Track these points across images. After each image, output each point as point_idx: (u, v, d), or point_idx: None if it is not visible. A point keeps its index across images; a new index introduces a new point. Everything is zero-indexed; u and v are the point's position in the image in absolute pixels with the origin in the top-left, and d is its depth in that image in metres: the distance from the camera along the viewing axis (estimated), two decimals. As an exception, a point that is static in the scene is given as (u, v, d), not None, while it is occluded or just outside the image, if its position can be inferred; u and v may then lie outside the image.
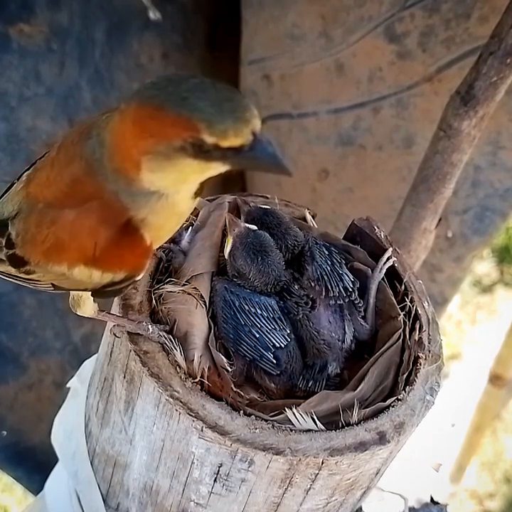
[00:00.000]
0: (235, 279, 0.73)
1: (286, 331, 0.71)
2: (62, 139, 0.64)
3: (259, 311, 0.71)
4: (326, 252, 0.75)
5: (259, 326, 0.70)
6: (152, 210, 0.58)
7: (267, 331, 0.70)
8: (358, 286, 0.75)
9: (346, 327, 0.74)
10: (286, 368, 0.70)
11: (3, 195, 0.70)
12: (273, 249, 0.74)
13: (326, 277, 0.73)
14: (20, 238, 0.64)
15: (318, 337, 0.72)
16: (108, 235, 0.58)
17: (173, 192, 0.57)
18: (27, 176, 0.67)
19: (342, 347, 0.73)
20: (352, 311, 0.75)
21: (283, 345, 0.70)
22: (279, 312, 0.71)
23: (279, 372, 0.70)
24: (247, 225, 0.75)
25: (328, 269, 0.74)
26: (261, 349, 0.70)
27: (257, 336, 0.70)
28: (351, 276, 0.75)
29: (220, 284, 0.73)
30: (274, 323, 0.71)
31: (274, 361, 0.70)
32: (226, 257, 0.74)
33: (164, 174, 0.55)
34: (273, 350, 0.70)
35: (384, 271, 0.78)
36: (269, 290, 0.73)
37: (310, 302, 0.73)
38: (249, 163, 0.54)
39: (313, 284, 0.73)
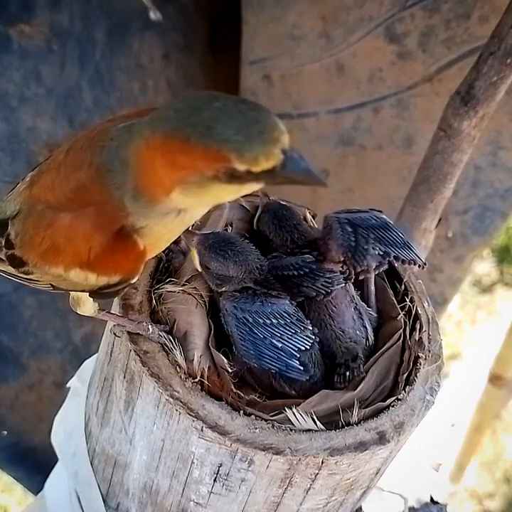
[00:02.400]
0: (219, 287, 0.72)
1: (308, 329, 0.69)
2: (70, 143, 0.64)
3: (274, 320, 0.69)
4: (350, 229, 0.74)
5: (279, 335, 0.68)
6: (160, 221, 0.58)
7: (288, 338, 0.68)
8: (387, 260, 0.73)
9: (366, 324, 0.74)
10: (315, 372, 0.69)
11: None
12: (237, 238, 0.73)
13: (350, 254, 0.73)
14: (19, 239, 0.65)
15: (344, 336, 0.72)
16: (102, 240, 0.58)
17: (195, 209, 0.58)
18: (31, 178, 0.68)
19: (366, 344, 0.73)
20: (361, 304, 0.75)
21: (309, 347, 0.68)
22: (295, 314, 0.70)
23: (308, 377, 0.68)
24: (201, 232, 0.74)
25: (352, 245, 0.73)
26: (285, 359, 0.68)
27: (279, 345, 0.68)
28: (378, 249, 0.73)
29: (228, 304, 0.71)
30: (293, 327, 0.69)
31: (302, 368, 0.68)
32: (199, 270, 0.72)
33: (198, 198, 0.55)
34: (298, 356, 0.68)
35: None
36: (257, 275, 0.72)
37: (347, 272, 0.72)
38: (284, 180, 0.54)
39: (341, 257, 0.72)
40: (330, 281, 0.72)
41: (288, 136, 0.51)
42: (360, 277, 0.73)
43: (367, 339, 0.73)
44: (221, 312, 0.71)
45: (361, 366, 0.71)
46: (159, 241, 0.61)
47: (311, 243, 0.76)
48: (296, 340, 0.68)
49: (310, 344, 0.69)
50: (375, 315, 0.76)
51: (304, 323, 0.70)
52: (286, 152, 0.51)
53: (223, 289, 0.72)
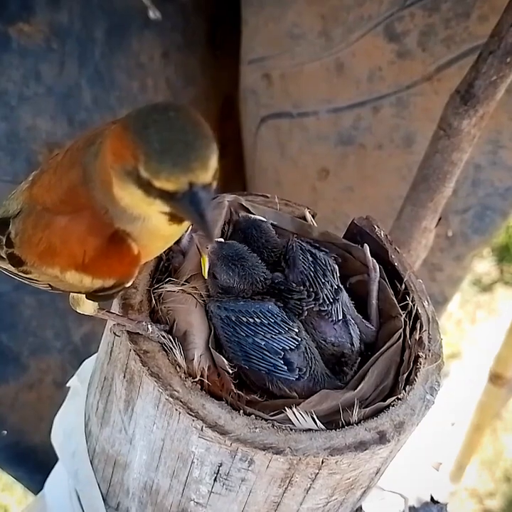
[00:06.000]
0: (220, 295, 0.72)
1: (294, 331, 0.69)
2: (70, 144, 0.64)
3: (258, 320, 0.69)
4: (310, 259, 0.75)
5: (262, 334, 0.68)
6: (136, 229, 0.58)
7: (271, 337, 0.68)
8: (339, 296, 0.73)
9: (351, 331, 0.73)
10: (304, 371, 0.69)
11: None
12: (247, 253, 0.73)
13: (307, 283, 0.73)
14: (19, 238, 0.65)
15: (327, 344, 0.72)
16: (97, 243, 0.59)
17: (144, 215, 0.57)
18: (33, 177, 0.68)
19: (352, 350, 0.73)
20: (356, 315, 0.74)
21: (293, 347, 0.68)
22: (280, 315, 0.70)
23: (296, 377, 0.68)
24: (217, 239, 0.74)
25: (311, 274, 0.73)
26: (270, 358, 0.68)
27: (263, 344, 0.68)
28: (334, 284, 0.74)
29: (213, 305, 0.71)
30: (277, 327, 0.69)
31: (285, 367, 0.68)
32: (206, 277, 0.72)
33: (123, 193, 0.55)
34: (282, 354, 0.68)
35: (378, 269, 0.77)
36: (259, 288, 0.72)
37: (313, 294, 0.72)
38: (179, 211, 0.53)
39: (299, 282, 0.73)
40: (299, 304, 0.72)
41: (208, 177, 0.51)
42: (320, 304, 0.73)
43: (352, 345, 0.73)
44: (208, 315, 0.71)
45: (354, 354, 0.72)
46: (151, 248, 0.61)
47: (283, 258, 0.76)
48: (280, 339, 0.68)
49: (295, 344, 0.69)
50: (373, 328, 0.75)
51: (289, 324, 0.70)
52: (193, 187, 0.50)
53: (223, 296, 0.72)
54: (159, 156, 0.50)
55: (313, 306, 0.72)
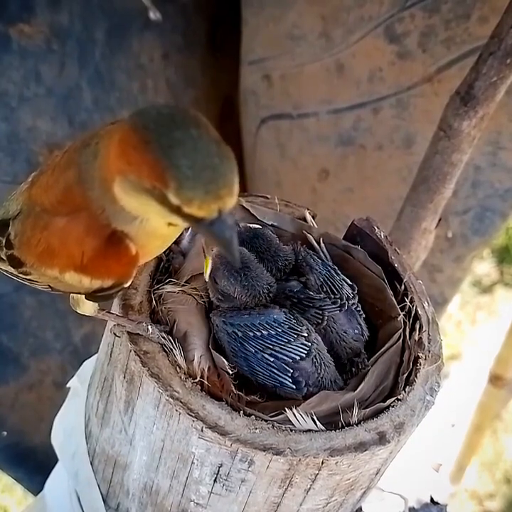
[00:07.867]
0: (220, 302, 0.72)
1: (303, 336, 0.68)
2: (69, 145, 0.64)
3: (265, 332, 0.68)
4: (320, 261, 0.76)
5: (271, 347, 0.68)
6: (133, 229, 0.58)
7: (281, 348, 0.67)
8: (356, 291, 0.75)
9: (360, 321, 0.75)
10: (312, 389, 0.68)
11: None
12: (253, 262, 0.72)
13: (329, 282, 0.74)
14: (18, 239, 0.65)
15: (347, 336, 0.73)
16: (94, 244, 0.59)
17: (143, 216, 0.57)
18: (32, 177, 0.68)
19: (364, 341, 0.74)
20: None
21: (304, 354, 0.68)
22: (287, 322, 0.69)
23: (303, 394, 0.67)
24: None
25: (328, 274, 0.74)
26: (277, 375, 0.67)
27: (271, 360, 0.67)
28: (349, 281, 0.75)
29: (219, 319, 0.70)
30: (286, 336, 0.68)
31: (294, 386, 0.67)
32: (207, 279, 0.71)
33: (129, 199, 0.55)
34: (291, 371, 0.67)
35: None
36: (263, 300, 0.72)
37: (338, 301, 0.72)
38: (205, 235, 0.53)
39: (318, 290, 0.73)
40: (320, 311, 0.72)
41: (233, 201, 0.51)
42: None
43: (362, 335, 0.74)
44: (213, 328, 0.71)
45: (366, 360, 0.72)
46: (149, 248, 0.61)
47: (295, 267, 0.77)
48: (290, 349, 0.68)
49: (306, 351, 0.68)
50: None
51: (297, 329, 0.69)
52: (221, 213, 0.50)
53: (222, 305, 0.72)
54: (191, 183, 0.49)
55: (334, 310, 0.72)
